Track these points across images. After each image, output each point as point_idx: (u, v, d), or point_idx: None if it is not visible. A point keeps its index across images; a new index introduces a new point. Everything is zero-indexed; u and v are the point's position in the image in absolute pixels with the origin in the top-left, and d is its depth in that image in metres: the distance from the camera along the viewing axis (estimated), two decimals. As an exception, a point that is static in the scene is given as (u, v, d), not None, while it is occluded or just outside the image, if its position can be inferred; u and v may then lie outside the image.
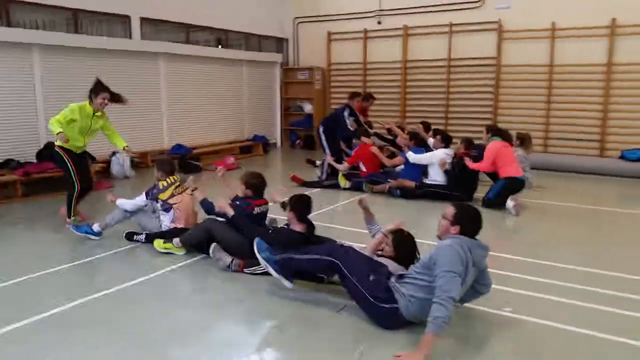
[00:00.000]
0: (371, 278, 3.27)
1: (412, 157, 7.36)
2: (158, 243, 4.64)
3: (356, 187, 7.63)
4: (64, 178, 5.61)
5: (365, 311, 3.33)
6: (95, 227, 5.06)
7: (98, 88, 5.51)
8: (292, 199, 4.31)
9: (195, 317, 3.49)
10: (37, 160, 7.34)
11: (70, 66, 8.10)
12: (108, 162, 8.42)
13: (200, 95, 10.53)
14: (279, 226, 4.76)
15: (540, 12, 9.95)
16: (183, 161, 8.93)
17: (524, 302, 3.75)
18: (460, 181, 7.04)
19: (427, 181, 7.30)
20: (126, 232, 5.01)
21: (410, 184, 7.30)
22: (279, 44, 13.02)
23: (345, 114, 8.46)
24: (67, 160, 5.42)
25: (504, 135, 6.98)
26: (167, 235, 4.69)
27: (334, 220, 6.01)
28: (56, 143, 5.44)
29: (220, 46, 11.33)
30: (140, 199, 5.02)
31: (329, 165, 8.15)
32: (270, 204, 4.80)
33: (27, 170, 6.73)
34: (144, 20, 9.47)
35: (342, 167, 7.95)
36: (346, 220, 5.95)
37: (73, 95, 8.01)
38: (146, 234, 4.93)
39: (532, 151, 7.90)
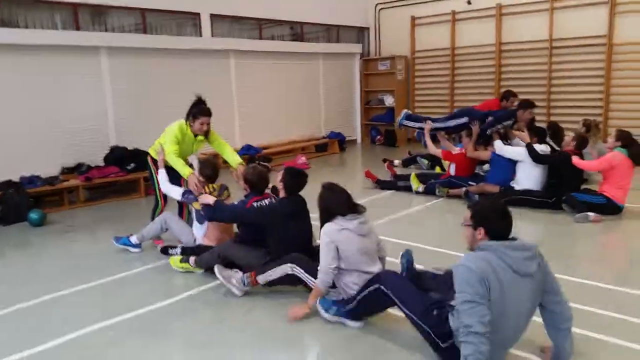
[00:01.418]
0: (434, 312, 2.74)
1: (497, 146, 6.40)
2: (175, 262, 4.27)
3: (430, 191, 6.77)
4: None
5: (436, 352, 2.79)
6: (133, 239, 4.81)
7: (197, 110, 4.70)
8: (286, 170, 3.95)
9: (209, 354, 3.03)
10: (105, 164, 7.35)
11: (140, 67, 8.07)
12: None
13: (274, 92, 10.16)
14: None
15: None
16: (251, 162, 8.60)
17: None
18: (557, 185, 5.92)
19: (515, 185, 6.27)
20: (162, 246, 4.70)
21: (493, 188, 6.32)
22: (359, 33, 12.30)
23: (507, 123, 6.81)
24: (155, 177, 4.86)
25: (634, 151, 5.54)
26: (188, 252, 4.31)
27: (397, 230, 5.25)
28: (150, 152, 4.95)
29: (295, 40, 10.89)
30: (176, 192, 4.54)
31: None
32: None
33: (88, 176, 6.74)
34: (214, 17, 9.27)
35: (432, 148, 7.13)
36: (410, 232, 5.19)
37: (143, 98, 8.07)
38: (182, 247, 4.57)
39: (598, 140, 7.03)
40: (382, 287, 2.97)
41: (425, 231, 5.38)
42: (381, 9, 12.09)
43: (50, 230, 5.77)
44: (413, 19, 11.44)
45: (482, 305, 2.34)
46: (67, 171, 7.11)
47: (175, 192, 4.59)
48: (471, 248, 2.64)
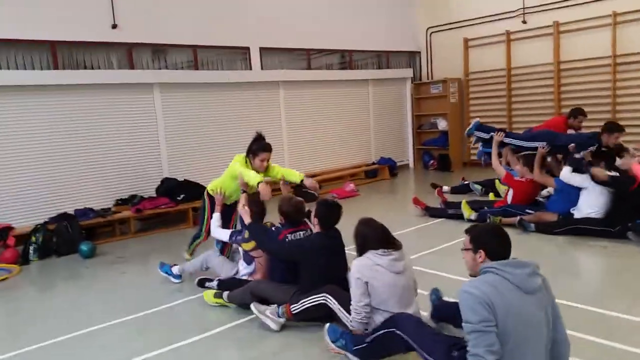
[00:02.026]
0: (455, 354, 2.64)
1: (565, 173, 5.97)
2: (208, 297, 4.25)
3: (482, 219, 6.40)
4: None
5: None
6: (175, 270, 4.89)
7: (257, 147, 4.68)
8: (319, 204, 3.85)
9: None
10: (157, 195, 7.56)
11: (191, 101, 8.31)
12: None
13: (323, 120, 10.15)
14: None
15: None
16: (298, 191, 8.57)
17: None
18: (621, 212, 5.44)
19: (575, 213, 5.83)
20: (199, 278, 4.69)
21: (551, 217, 5.93)
22: (410, 57, 12.16)
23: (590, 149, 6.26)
24: (206, 211, 4.96)
25: None
26: (224, 286, 4.28)
27: (442, 262, 4.98)
28: (208, 188, 5.00)
29: (346, 67, 10.91)
30: (224, 235, 4.58)
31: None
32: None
33: (139, 207, 6.94)
34: (263, 50, 9.45)
35: (496, 163, 6.80)
36: (457, 264, 4.89)
37: (194, 130, 8.31)
38: (219, 280, 4.55)
39: None
40: (399, 331, 2.87)
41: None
42: (433, 32, 11.92)
43: (101, 261, 5.96)
44: (466, 40, 11.18)
45: (489, 334, 2.29)
46: (121, 202, 7.36)
47: (223, 235, 4.59)
48: (472, 274, 2.63)
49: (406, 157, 11.72)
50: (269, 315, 3.67)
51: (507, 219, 6.17)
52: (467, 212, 6.61)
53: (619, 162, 5.89)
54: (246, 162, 4.72)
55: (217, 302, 4.20)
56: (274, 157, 9.01)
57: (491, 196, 7.51)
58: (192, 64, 8.68)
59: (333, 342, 3.22)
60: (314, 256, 3.72)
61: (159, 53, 8.38)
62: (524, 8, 10.24)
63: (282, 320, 3.65)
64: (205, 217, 5.00)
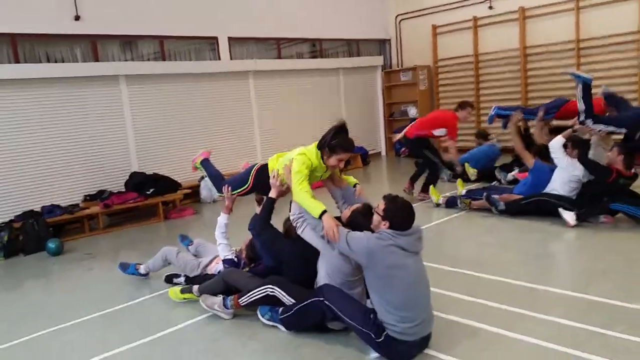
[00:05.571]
0: (371, 317, 3.04)
1: (555, 144, 5.56)
2: (175, 293, 4.19)
3: (451, 204, 6.54)
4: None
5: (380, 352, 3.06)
6: (142, 270, 4.79)
7: (337, 143, 3.57)
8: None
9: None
10: (125, 189, 7.46)
11: (159, 93, 8.23)
12: (197, 187, 8.35)
13: (295, 109, 10.12)
14: None
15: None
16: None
17: None
18: (594, 196, 5.47)
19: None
20: (166, 274, 4.66)
21: (517, 197, 6.03)
22: (381, 45, 12.18)
23: None
24: (249, 181, 4.12)
25: None
26: (194, 281, 4.25)
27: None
28: (269, 162, 4.04)
29: (317, 56, 10.88)
30: (221, 250, 4.26)
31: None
32: None
33: (107, 203, 6.85)
34: (232, 40, 9.36)
35: (452, 151, 6.94)
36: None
37: (163, 123, 8.22)
38: (186, 276, 4.54)
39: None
40: (325, 300, 3.14)
41: (439, 247, 5.14)
42: (402, 19, 11.95)
43: (68, 259, 5.88)
44: (434, 27, 11.24)
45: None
46: (90, 198, 7.27)
47: (220, 249, 4.27)
48: (374, 229, 3.11)
49: (378, 145, 11.79)
50: (217, 308, 3.76)
51: (476, 202, 6.28)
52: (436, 197, 6.71)
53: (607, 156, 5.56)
54: (322, 156, 3.66)
55: (184, 298, 4.16)
56: (247, 147, 9.19)
57: (459, 182, 7.53)
58: (160, 55, 8.55)
59: (262, 315, 3.58)
60: (294, 260, 3.67)
61: (125, 45, 8.23)
62: (490, -6, 10.35)
63: (231, 311, 3.74)
64: (249, 181, 4.11)
